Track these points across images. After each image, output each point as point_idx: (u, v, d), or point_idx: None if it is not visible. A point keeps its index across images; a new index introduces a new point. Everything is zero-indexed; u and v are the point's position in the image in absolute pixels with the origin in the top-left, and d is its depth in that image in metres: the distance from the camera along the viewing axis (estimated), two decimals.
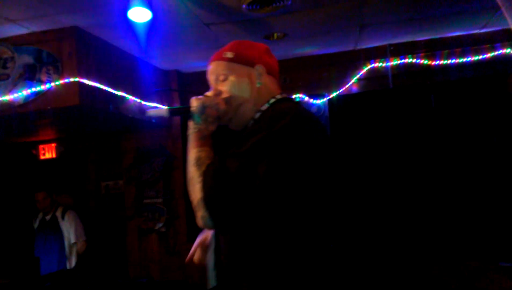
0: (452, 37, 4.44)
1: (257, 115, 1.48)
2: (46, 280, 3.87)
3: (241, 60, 1.50)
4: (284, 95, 1.55)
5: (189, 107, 1.45)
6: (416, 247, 4.27)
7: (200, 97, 1.46)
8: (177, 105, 1.51)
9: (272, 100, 1.50)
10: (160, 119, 4.61)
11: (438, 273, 4.09)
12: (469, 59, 4.37)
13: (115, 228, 5.41)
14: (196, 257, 1.62)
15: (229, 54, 1.50)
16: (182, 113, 1.51)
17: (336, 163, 1.42)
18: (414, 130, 4.54)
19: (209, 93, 1.51)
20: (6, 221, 5.48)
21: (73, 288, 3.92)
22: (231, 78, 1.48)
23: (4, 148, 5.49)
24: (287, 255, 1.28)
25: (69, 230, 4.69)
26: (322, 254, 1.34)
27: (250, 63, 1.50)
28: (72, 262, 4.71)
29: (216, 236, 1.44)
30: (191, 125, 1.45)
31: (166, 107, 1.47)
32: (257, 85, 1.49)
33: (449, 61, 4.43)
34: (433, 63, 4.48)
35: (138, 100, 4.29)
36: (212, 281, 1.45)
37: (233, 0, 3.27)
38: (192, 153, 1.39)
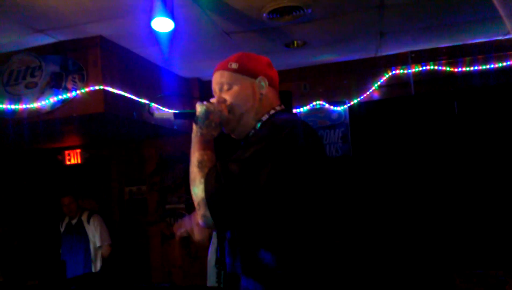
0: (474, 44, 4.39)
1: (258, 125, 1.55)
2: (71, 283, 3.95)
3: (245, 71, 1.57)
4: (283, 107, 1.63)
5: (194, 111, 1.51)
6: (441, 256, 4.21)
7: (205, 102, 1.52)
8: (182, 110, 1.56)
9: (272, 112, 1.57)
10: (180, 125, 4.69)
11: (463, 283, 4.02)
12: (492, 66, 4.31)
13: (138, 233, 5.50)
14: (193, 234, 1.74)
15: (234, 65, 1.57)
16: (187, 117, 1.56)
17: (328, 169, 1.49)
18: (437, 137, 4.49)
19: (213, 100, 1.58)
20: (33, 224, 5.63)
21: None
22: (235, 88, 1.55)
23: (31, 154, 5.65)
24: (285, 255, 1.35)
25: (95, 234, 4.78)
26: (320, 255, 1.40)
27: (254, 75, 1.57)
28: (97, 266, 4.80)
29: (219, 236, 1.50)
30: (195, 128, 1.51)
31: (172, 111, 1.53)
32: (259, 96, 1.57)
33: (471, 68, 4.38)
34: (456, 70, 4.43)
35: (161, 108, 4.37)
36: (211, 279, 1.50)
37: (254, 9, 3.32)
38: (195, 156, 1.45)
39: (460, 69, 4.42)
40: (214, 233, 1.59)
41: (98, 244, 4.77)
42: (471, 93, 4.45)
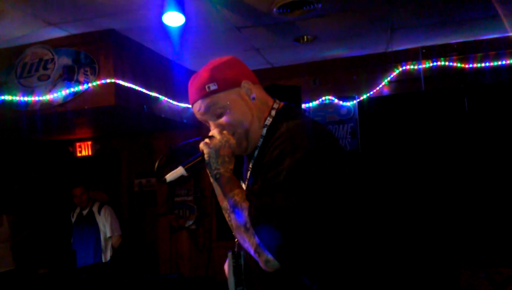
0: (486, 40, 4.36)
1: (264, 131, 1.41)
2: (82, 272, 4.02)
3: (226, 86, 1.38)
4: (277, 101, 1.48)
5: (202, 155, 1.37)
6: (447, 251, 4.22)
7: (207, 141, 1.37)
8: (190, 160, 1.36)
9: (273, 112, 1.43)
10: (190, 118, 4.72)
11: (469, 278, 4.03)
12: (504, 62, 4.27)
13: (148, 225, 5.57)
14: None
15: (213, 86, 1.36)
16: (199, 164, 1.38)
17: (360, 166, 1.42)
18: (447, 133, 4.47)
19: (213, 132, 1.40)
20: (45, 215, 5.71)
21: (108, 281, 4.04)
22: (227, 108, 1.38)
23: (43, 145, 5.72)
24: (329, 274, 1.27)
25: (105, 225, 4.85)
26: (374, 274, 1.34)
27: (235, 84, 1.40)
28: (107, 256, 4.86)
29: (235, 256, 1.40)
30: (211, 172, 1.37)
31: (181, 167, 1.35)
32: (252, 101, 1.41)
33: (483, 64, 4.35)
34: (467, 66, 4.40)
35: (171, 101, 4.41)
36: None
37: (264, 4, 3.33)
38: (226, 202, 1.32)
39: (471, 65, 4.40)
40: (229, 253, 1.49)
41: (108, 235, 4.83)
42: (482, 89, 4.42)
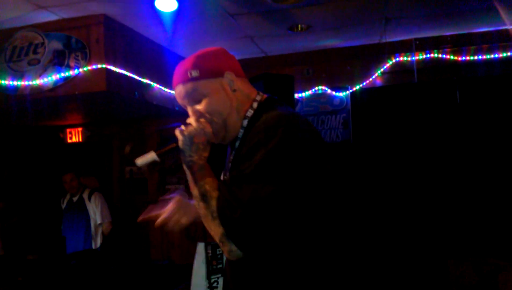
0: (480, 33, 4.36)
1: (245, 122, 1.42)
2: (71, 258, 4.01)
3: (208, 74, 1.40)
4: (261, 94, 1.49)
5: (176, 141, 1.38)
6: (436, 243, 4.26)
7: (183, 127, 1.39)
8: (163, 146, 1.33)
9: (255, 104, 1.44)
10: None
11: (456, 269, 4.07)
12: (497, 56, 4.29)
13: (139, 212, 5.55)
14: (173, 221, 1.52)
15: (195, 73, 1.38)
16: (172, 151, 1.39)
17: (330, 158, 1.36)
18: (438, 125, 4.49)
19: (190, 120, 1.43)
20: (35, 201, 5.68)
21: (98, 268, 4.05)
22: (207, 96, 1.39)
23: (33, 131, 5.67)
24: (307, 262, 1.28)
25: (96, 211, 4.83)
26: (346, 264, 1.33)
27: (218, 73, 1.41)
28: (97, 242, 4.86)
29: (206, 247, 1.39)
30: (184, 159, 1.38)
31: (152, 152, 1.36)
32: (233, 93, 1.42)
33: (476, 57, 4.36)
34: (460, 58, 4.42)
35: (163, 88, 4.38)
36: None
37: None
38: (196, 189, 1.33)
39: (464, 58, 4.41)
40: (200, 244, 1.48)
41: (98, 221, 4.83)
42: (475, 82, 4.43)
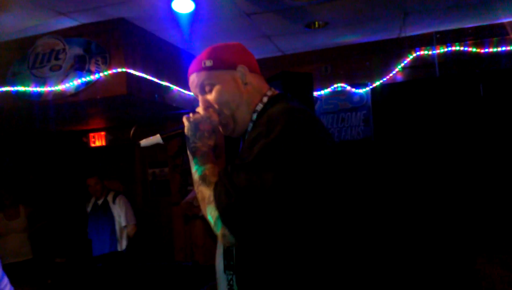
0: (502, 24, 4.25)
1: (254, 116, 1.45)
2: (98, 260, 4.06)
3: (221, 65, 1.44)
4: (273, 90, 1.51)
5: (182, 128, 1.42)
6: (463, 238, 4.17)
7: (191, 115, 1.43)
8: (170, 130, 1.40)
9: (265, 99, 1.46)
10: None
11: (484, 265, 3.98)
12: None
13: (162, 214, 5.60)
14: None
15: (208, 62, 1.44)
16: (177, 136, 1.44)
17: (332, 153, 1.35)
18: (462, 120, 4.40)
19: (199, 108, 1.47)
20: (61, 205, 5.79)
21: (123, 269, 4.09)
22: (217, 86, 1.43)
23: (57, 136, 5.79)
24: (306, 259, 1.28)
25: (120, 214, 4.90)
26: (344, 257, 1.32)
27: (232, 66, 1.45)
28: (122, 245, 4.92)
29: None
30: (188, 145, 1.41)
31: (158, 135, 1.42)
32: (244, 86, 1.45)
33: (498, 49, 4.25)
34: (482, 51, 4.31)
35: (182, 90, 4.41)
36: (222, 286, 1.43)
37: None
38: (196, 173, 1.36)
39: (486, 50, 4.30)
40: None
41: (123, 224, 4.88)
42: (498, 75, 4.33)
